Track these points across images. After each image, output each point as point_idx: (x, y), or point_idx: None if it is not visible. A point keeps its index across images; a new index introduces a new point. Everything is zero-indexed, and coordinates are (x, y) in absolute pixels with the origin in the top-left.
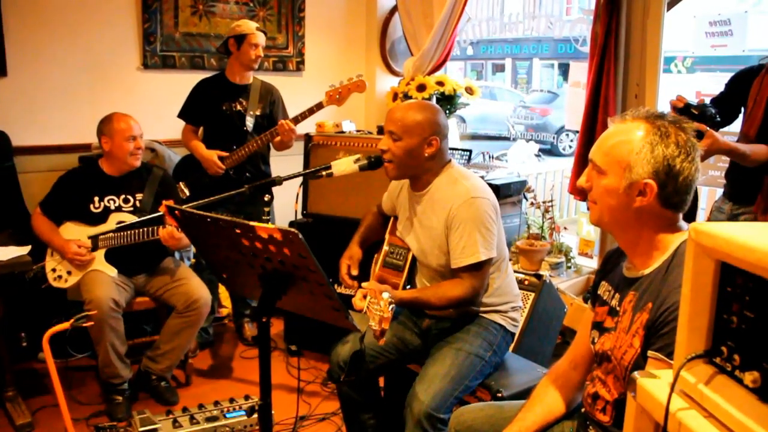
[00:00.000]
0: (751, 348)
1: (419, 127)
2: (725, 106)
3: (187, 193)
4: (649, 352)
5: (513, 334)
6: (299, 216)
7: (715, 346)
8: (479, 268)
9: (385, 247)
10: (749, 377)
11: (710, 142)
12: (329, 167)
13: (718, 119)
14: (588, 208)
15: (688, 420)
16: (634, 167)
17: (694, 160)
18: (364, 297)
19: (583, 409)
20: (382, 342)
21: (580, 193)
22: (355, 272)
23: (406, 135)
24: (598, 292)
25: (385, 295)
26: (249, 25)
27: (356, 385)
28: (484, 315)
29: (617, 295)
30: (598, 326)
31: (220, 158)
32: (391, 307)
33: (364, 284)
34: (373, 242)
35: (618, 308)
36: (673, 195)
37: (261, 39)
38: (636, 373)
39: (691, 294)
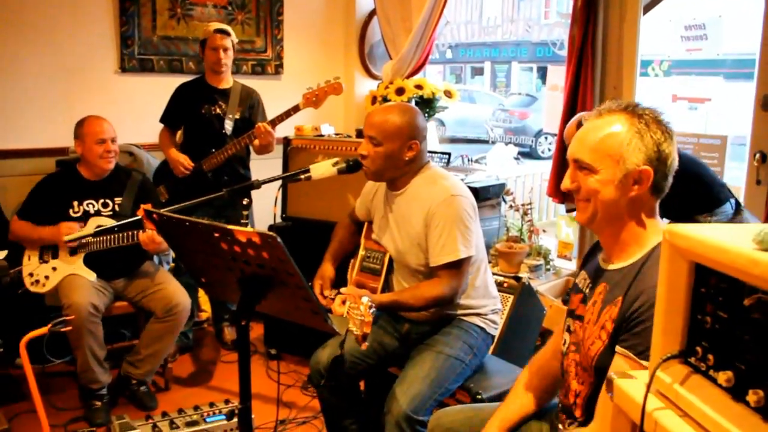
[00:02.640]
0: (724, 348)
1: (399, 132)
2: None
3: (167, 197)
4: (617, 348)
5: (493, 337)
6: (278, 219)
7: (690, 346)
8: (458, 266)
9: (361, 252)
10: (723, 377)
11: None
12: (308, 171)
13: None
14: (575, 209)
15: (664, 420)
16: (627, 157)
17: (673, 143)
18: (344, 302)
19: (560, 404)
20: (364, 347)
21: (559, 196)
22: (327, 292)
23: (386, 140)
24: (576, 281)
25: (365, 299)
26: (209, 28)
27: (337, 390)
28: (464, 318)
29: (590, 285)
30: (572, 314)
31: (198, 162)
32: (371, 311)
33: (342, 290)
34: (345, 256)
35: (589, 297)
36: (662, 179)
37: (223, 41)
38: (612, 374)
39: (666, 295)
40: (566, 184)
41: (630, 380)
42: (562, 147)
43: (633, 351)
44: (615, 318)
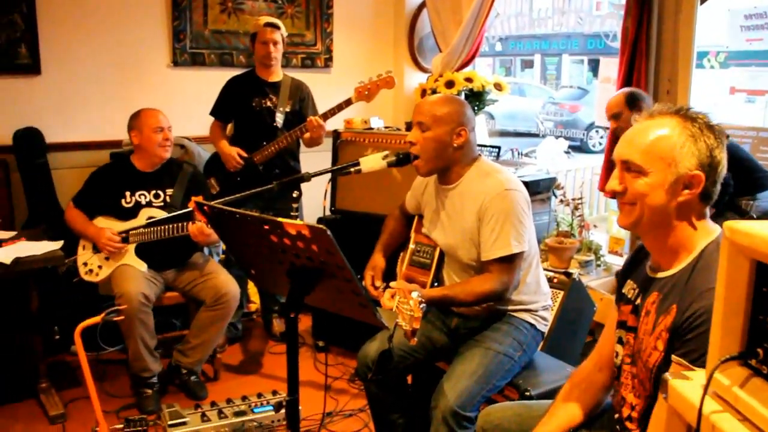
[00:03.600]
0: None
1: (447, 117)
2: None
3: (218, 189)
4: (673, 357)
5: (543, 333)
6: (327, 212)
7: (750, 348)
8: (510, 261)
9: (411, 246)
10: None
11: None
12: (358, 164)
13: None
14: (619, 210)
15: (721, 423)
16: (680, 161)
17: (724, 151)
18: (393, 296)
19: (616, 415)
20: (413, 342)
21: (611, 194)
22: (378, 283)
23: (434, 125)
24: (623, 291)
25: (415, 294)
26: (259, 22)
27: (384, 384)
28: (514, 314)
29: (641, 295)
30: (623, 325)
31: (249, 155)
32: (421, 306)
33: (392, 284)
34: (396, 249)
35: (641, 308)
36: (712, 186)
37: (273, 35)
38: (667, 374)
39: (725, 294)
40: (613, 185)
41: (685, 381)
42: (614, 141)
43: (688, 358)
44: (669, 327)
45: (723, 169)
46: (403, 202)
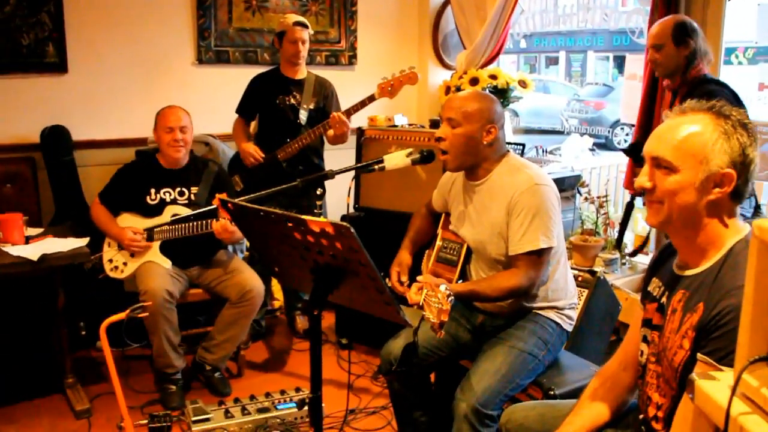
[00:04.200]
0: None
1: (478, 114)
2: None
3: (242, 186)
4: (699, 355)
5: (568, 333)
6: (351, 210)
7: None
8: (538, 256)
9: (438, 242)
10: None
11: None
12: (381, 161)
13: None
14: (646, 208)
15: (750, 425)
16: (711, 159)
17: (758, 149)
18: (420, 290)
19: (641, 416)
20: (440, 335)
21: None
22: (404, 279)
23: (465, 121)
24: (648, 289)
25: (443, 287)
26: (288, 21)
27: (407, 382)
28: (540, 312)
29: (666, 292)
30: (648, 323)
31: (273, 152)
32: (449, 299)
33: (419, 278)
34: (422, 246)
35: (667, 306)
36: (743, 185)
37: (301, 34)
38: (694, 375)
39: (755, 294)
40: (642, 182)
41: (712, 382)
42: (640, 138)
43: (714, 357)
44: (695, 325)
45: (756, 169)
46: (429, 201)
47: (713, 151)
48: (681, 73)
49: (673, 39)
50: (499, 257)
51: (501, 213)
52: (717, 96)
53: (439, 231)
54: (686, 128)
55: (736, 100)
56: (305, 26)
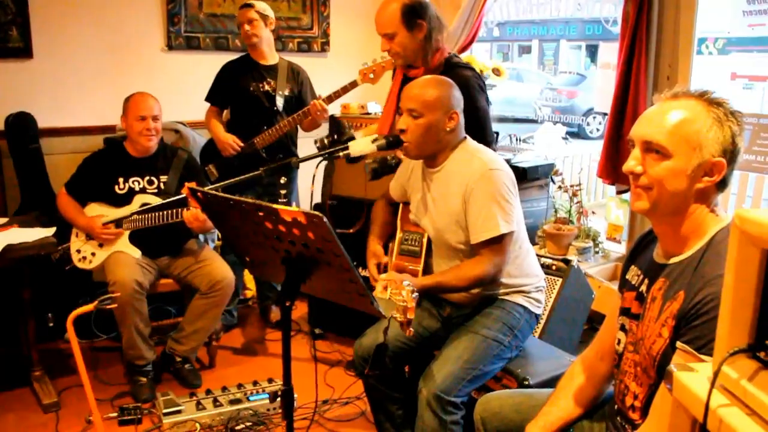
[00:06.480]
0: None
1: (439, 102)
2: None
3: (217, 175)
4: (678, 344)
5: (537, 316)
6: (317, 198)
7: (759, 340)
8: (500, 242)
9: (399, 235)
10: None
11: None
12: (346, 147)
13: None
14: (632, 194)
15: (729, 418)
16: (705, 146)
17: (744, 138)
18: (385, 288)
19: (615, 406)
20: (409, 333)
21: (610, 177)
22: (376, 275)
23: (426, 111)
24: (627, 277)
25: (406, 283)
26: (238, 5)
27: (382, 377)
28: (506, 298)
29: (646, 281)
30: (626, 312)
31: (249, 140)
32: (413, 295)
33: (382, 276)
34: (389, 236)
35: (646, 294)
36: (730, 174)
37: (247, 14)
38: (672, 366)
39: (735, 284)
40: (632, 166)
41: (691, 373)
42: (614, 126)
43: (693, 346)
44: (676, 313)
45: (740, 158)
46: (386, 191)
47: (707, 138)
48: (422, 59)
49: (404, 24)
50: (458, 245)
51: (457, 201)
52: (470, 83)
53: (399, 223)
54: (680, 113)
55: (481, 89)
56: (249, 6)
